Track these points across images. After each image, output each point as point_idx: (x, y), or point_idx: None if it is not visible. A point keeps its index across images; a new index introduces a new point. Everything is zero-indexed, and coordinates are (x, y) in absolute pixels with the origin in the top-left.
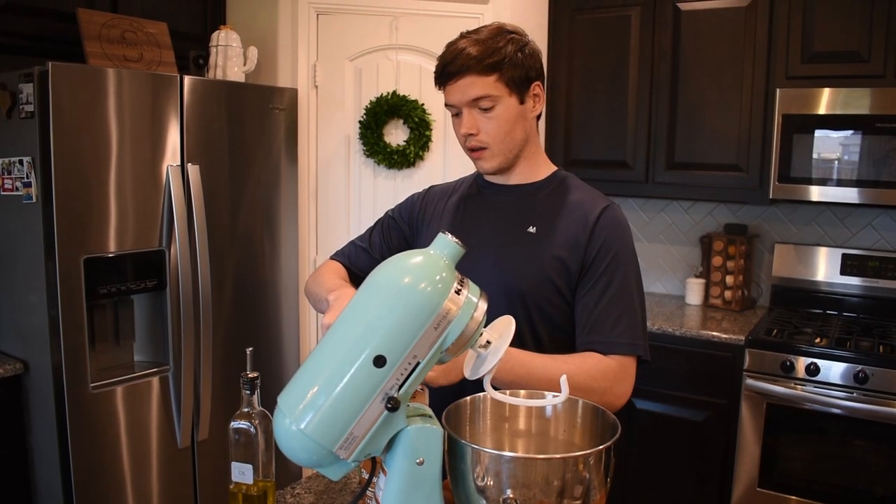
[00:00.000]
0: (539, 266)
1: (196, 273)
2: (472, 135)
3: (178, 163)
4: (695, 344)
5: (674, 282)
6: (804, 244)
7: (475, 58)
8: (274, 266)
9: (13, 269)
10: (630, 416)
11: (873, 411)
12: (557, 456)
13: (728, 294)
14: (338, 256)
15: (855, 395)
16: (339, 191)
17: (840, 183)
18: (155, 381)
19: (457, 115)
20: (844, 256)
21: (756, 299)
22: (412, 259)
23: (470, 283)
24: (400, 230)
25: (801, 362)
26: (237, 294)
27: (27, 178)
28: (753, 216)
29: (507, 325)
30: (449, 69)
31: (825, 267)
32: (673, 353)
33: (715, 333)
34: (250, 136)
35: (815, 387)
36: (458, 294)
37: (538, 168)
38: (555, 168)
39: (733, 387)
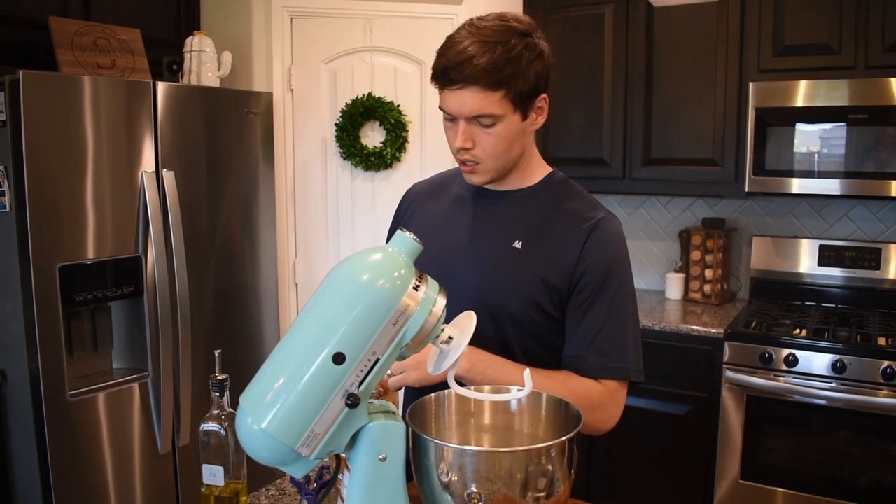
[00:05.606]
0: (523, 287)
1: (173, 278)
2: (466, 149)
3: (153, 169)
4: (675, 338)
5: (654, 277)
6: (781, 236)
7: (483, 69)
8: (253, 270)
9: None
10: None
11: (852, 400)
12: (520, 449)
13: (707, 288)
14: None
15: (833, 384)
16: (317, 193)
17: (816, 175)
18: (134, 387)
19: (451, 120)
20: (822, 248)
21: (735, 292)
22: (371, 256)
23: (429, 279)
24: None
25: (780, 353)
26: (216, 298)
27: (0, 186)
28: (731, 210)
29: (468, 321)
30: (451, 76)
31: (803, 258)
32: (653, 348)
33: (695, 327)
34: (226, 141)
35: (795, 377)
36: (417, 290)
37: (532, 172)
38: (550, 170)
39: (714, 380)
